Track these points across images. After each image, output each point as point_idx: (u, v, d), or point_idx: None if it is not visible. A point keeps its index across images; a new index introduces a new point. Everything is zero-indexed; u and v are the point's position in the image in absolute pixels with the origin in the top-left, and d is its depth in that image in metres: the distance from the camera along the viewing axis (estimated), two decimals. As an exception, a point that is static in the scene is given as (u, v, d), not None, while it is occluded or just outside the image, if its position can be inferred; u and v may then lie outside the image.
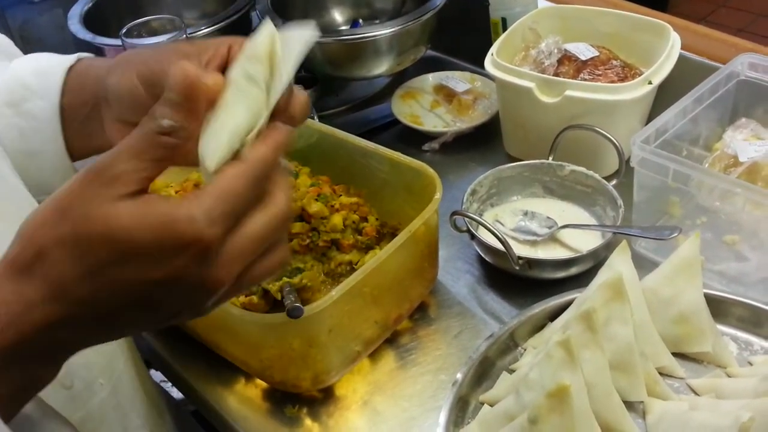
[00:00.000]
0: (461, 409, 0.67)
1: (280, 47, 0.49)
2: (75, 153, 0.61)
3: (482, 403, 0.68)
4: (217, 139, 0.42)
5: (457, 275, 0.85)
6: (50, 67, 0.61)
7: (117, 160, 0.39)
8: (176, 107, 0.40)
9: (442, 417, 0.64)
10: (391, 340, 0.77)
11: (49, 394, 0.50)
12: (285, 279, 0.75)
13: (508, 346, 0.72)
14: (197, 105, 0.41)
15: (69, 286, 0.38)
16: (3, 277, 0.39)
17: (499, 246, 0.78)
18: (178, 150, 0.41)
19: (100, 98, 0.58)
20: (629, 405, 0.65)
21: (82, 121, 0.60)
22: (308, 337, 0.66)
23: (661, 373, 0.67)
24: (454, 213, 0.81)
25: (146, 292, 0.39)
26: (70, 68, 0.61)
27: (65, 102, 0.60)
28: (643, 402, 0.65)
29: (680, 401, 0.64)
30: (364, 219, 0.82)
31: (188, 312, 0.43)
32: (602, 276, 0.70)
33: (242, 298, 0.75)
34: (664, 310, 0.69)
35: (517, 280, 0.81)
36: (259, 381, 0.74)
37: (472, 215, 0.81)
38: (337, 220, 0.79)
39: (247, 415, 0.72)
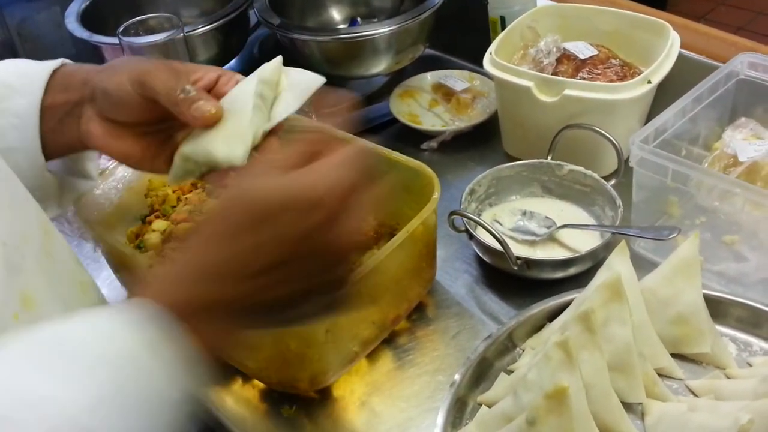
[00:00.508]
0: (459, 410, 0.67)
1: (285, 78, 0.61)
2: (48, 151, 0.63)
3: (480, 404, 0.67)
4: (242, 140, 0.56)
5: (455, 275, 0.84)
6: (33, 70, 0.63)
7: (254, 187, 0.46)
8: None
9: (440, 418, 0.64)
10: (389, 341, 0.77)
11: None
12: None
13: (507, 346, 0.72)
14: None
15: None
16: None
17: (497, 246, 0.78)
18: None
19: (84, 96, 0.61)
20: (628, 406, 0.65)
21: (60, 119, 0.62)
22: (306, 337, 0.66)
23: (659, 374, 0.67)
24: (453, 213, 0.81)
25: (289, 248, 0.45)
26: (55, 71, 0.63)
27: (47, 100, 0.62)
28: (642, 403, 0.65)
29: (679, 402, 0.64)
30: (362, 219, 0.81)
31: (326, 276, 0.48)
32: (601, 276, 0.69)
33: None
34: (663, 311, 0.69)
35: (515, 280, 0.81)
36: (256, 381, 0.74)
37: (470, 215, 0.81)
38: (334, 219, 0.79)
39: (245, 416, 0.71)
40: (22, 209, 0.56)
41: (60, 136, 0.63)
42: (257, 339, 0.67)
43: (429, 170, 0.75)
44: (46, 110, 0.62)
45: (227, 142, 0.56)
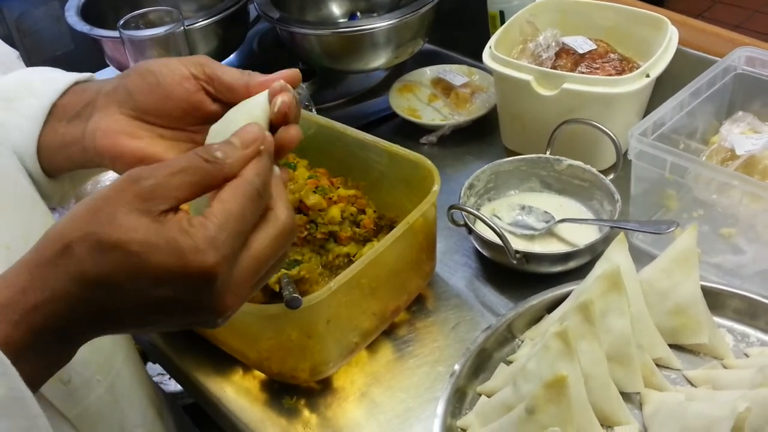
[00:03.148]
0: (459, 400, 0.67)
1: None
2: (48, 160, 0.59)
3: (480, 394, 0.68)
4: None
5: (454, 268, 0.85)
6: (56, 77, 0.61)
7: (157, 173, 0.42)
8: (233, 149, 0.44)
9: (440, 408, 0.64)
10: (389, 332, 0.77)
11: (48, 389, 0.51)
12: (283, 271, 0.75)
13: (506, 337, 0.73)
14: (251, 156, 0.45)
15: (87, 282, 0.41)
16: (31, 265, 0.42)
17: (496, 240, 0.78)
18: (214, 182, 0.44)
19: (99, 93, 0.57)
20: (626, 396, 0.65)
21: (71, 118, 0.58)
22: (306, 328, 0.66)
23: (657, 365, 0.67)
24: (452, 207, 0.82)
25: (151, 306, 0.42)
26: (79, 81, 0.60)
27: (60, 102, 0.59)
28: (640, 393, 0.65)
29: (677, 392, 0.65)
30: (362, 211, 0.82)
31: (197, 325, 0.46)
32: (599, 268, 0.70)
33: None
34: (661, 302, 0.69)
35: (514, 274, 0.81)
36: (257, 372, 0.74)
37: (469, 209, 0.82)
38: (335, 212, 0.79)
39: (245, 406, 0.72)
40: (27, 211, 0.56)
41: (60, 139, 0.58)
42: (257, 329, 0.68)
43: (429, 163, 0.76)
44: (54, 114, 0.58)
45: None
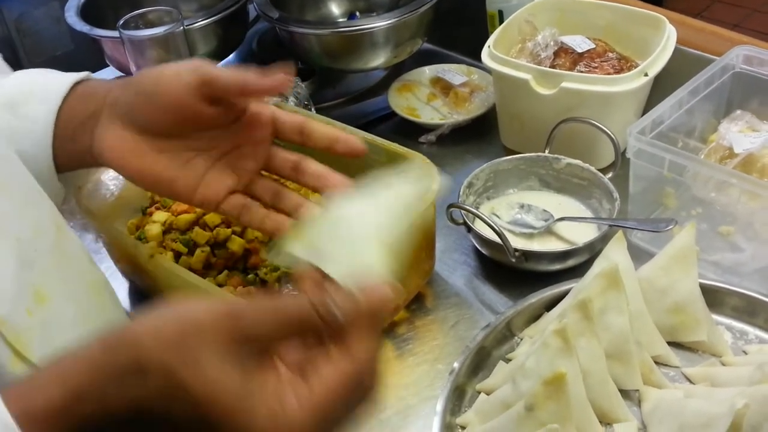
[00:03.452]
0: (458, 397, 0.67)
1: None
2: (60, 161, 0.61)
3: (479, 392, 0.68)
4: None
5: (453, 266, 0.85)
6: (55, 80, 0.61)
7: (262, 317, 0.38)
8: (355, 311, 0.39)
9: (439, 405, 0.65)
10: (389, 331, 0.78)
11: None
12: (283, 269, 0.75)
13: (505, 335, 0.73)
14: (371, 326, 0.40)
15: (146, 413, 0.37)
16: (96, 367, 0.37)
17: (495, 238, 0.78)
18: (319, 336, 0.40)
19: (103, 104, 0.58)
20: (625, 393, 0.65)
21: (75, 128, 0.59)
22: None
23: (656, 362, 0.68)
24: (451, 206, 0.82)
25: None
26: (78, 83, 0.61)
27: (65, 109, 0.59)
28: (639, 390, 0.65)
29: (675, 389, 0.65)
30: (362, 210, 0.82)
31: None
32: (598, 266, 0.70)
33: (240, 289, 0.75)
34: (660, 300, 0.70)
35: (513, 273, 0.81)
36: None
37: (468, 207, 0.82)
38: (334, 211, 0.79)
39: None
40: (36, 205, 0.56)
41: (72, 147, 0.60)
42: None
43: (428, 161, 0.76)
44: (61, 119, 0.59)
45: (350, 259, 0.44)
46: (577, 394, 0.60)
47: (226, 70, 0.56)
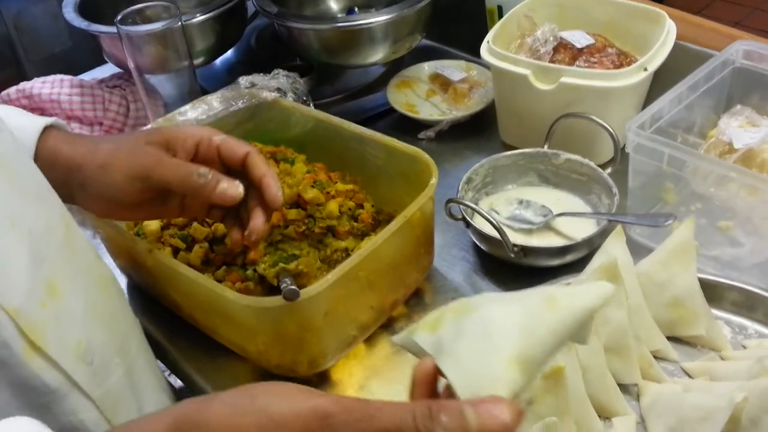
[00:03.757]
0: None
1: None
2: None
3: (478, 387, 0.68)
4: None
5: (452, 262, 0.85)
6: (23, 125, 0.63)
7: (350, 423, 0.35)
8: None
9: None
10: (387, 326, 0.77)
11: (74, 370, 0.53)
12: (281, 265, 0.75)
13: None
14: None
15: None
16: None
17: (494, 234, 0.78)
18: None
19: (72, 182, 0.63)
20: (623, 388, 0.65)
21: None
22: (304, 321, 0.66)
23: (655, 357, 0.67)
24: (450, 201, 0.82)
25: None
26: (42, 137, 0.64)
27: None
28: (638, 384, 0.65)
29: (674, 384, 0.65)
30: (360, 206, 0.82)
31: None
32: (597, 260, 0.70)
33: (238, 284, 0.75)
34: (659, 294, 0.69)
35: (512, 268, 0.81)
36: (256, 366, 0.74)
37: (467, 203, 0.82)
38: (333, 206, 0.79)
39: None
40: (47, 201, 0.58)
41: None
42: (256, 323, 0.68)
43: (426, 156, 0.76)
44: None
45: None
46: (575, 389, 0.60)
47: (173, 173, 0.61)
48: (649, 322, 0.68)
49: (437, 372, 0.39)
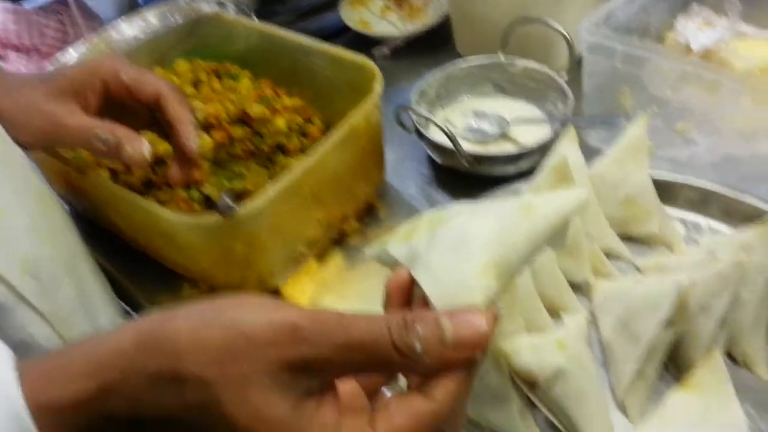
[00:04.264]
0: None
1: None
2: None
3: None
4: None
5: (406, 176, 0.83)
6: None
7: (327, 339, 0.32)
8: (439, 347, 0.33)
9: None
10: (340, 242, 0.76)
11: (21, 284, 0.52)
12: (227, 184, 0.72)
13: (457, 239, 0.71)
14: (457, 365, 0.34)
15: (171, 418, 0.33)
16: (129, 363, 0.33)
17: (447, 144, 0.76)
18: (391, 372, 0.35)
19: None
20: (576, 287, 0.64)
21: None
22: (247, 237, 0.64)
23: (608, 256, 0.67)
24: (400, 108, 0.79)
25: None
26: None
27: None
28: (589, 282, 0.64)
29: (626, 280, 0.64)
30: (309, 121, 0.79)
31: None
32: (548, 162, 0.68)
33: (183, 206, 0.72)
34: (612, 193, 0.68)
35: (467, 179, 0.79)
36: (203, 285, 0.72)
37: (419, 111, 0.79)
38: (280, 122, 0.76)
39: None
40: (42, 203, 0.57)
41: None
42: (198, 243, 0.66)
43: (371, 64, 0.73)
44: None
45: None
46: (524, 286, 0.59)
47: (72, 138, 0.58)
48: (601, 221, 0.67)
49: (412, 283, 0.38)
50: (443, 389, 0.33)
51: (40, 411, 0.32)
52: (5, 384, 0.32)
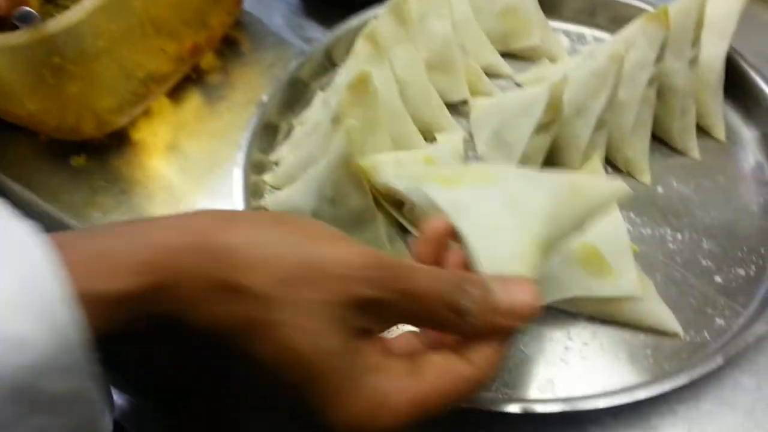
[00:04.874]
0: (271, 134, 0.59)
1: None
2: None
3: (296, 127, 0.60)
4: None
5: (270, 4, 0.74)
6: None
7: (395, 284, 0.31)
8: (489, 313, 0.32)
9: (244, 139, 0.56)
10: (198, 81, 0.67)
11: None
12: (51, 10, 0.62)
13: (325, 67, 0.64)
14: (505, 331, 0.33)
15: (216, 335, 0.30)
16: (185, 270, 0.30)
17: (313, -37, 0.67)
18: (438, 329, 0.34)
19: None
20: (453, 108, 0.59)
21: None
22: (69, 62, 0.54)
23: (487, 73, 0.61)
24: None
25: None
26: None
27: None
28: (467, 101, 0.59)
29: (504, 95, 0.59)
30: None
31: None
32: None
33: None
34: (490, 5, 0.62)
35: (339, 6, 0.71)
36: (36, 134, 0.63)
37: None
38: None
39: (29, 173, 0.61)
40: None
41: None
42: (10, 75, 0.55)
43: None
44: None
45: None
46: (391, 104, 0.53)
47: None
48: (478, 35, 0.61)
49: (449, 233, 0.36)
50: (482, 355, 0.33)
51: (85, 301, 0.27)
52: (45, 267, 0.27)
